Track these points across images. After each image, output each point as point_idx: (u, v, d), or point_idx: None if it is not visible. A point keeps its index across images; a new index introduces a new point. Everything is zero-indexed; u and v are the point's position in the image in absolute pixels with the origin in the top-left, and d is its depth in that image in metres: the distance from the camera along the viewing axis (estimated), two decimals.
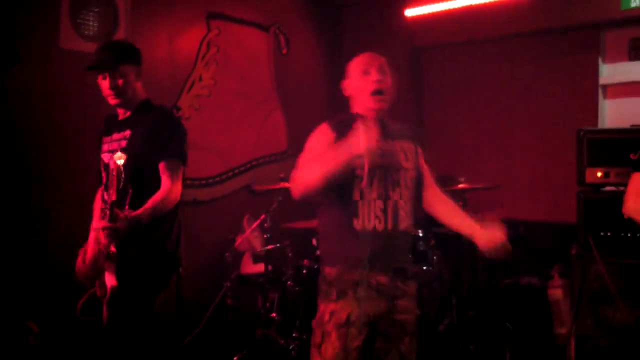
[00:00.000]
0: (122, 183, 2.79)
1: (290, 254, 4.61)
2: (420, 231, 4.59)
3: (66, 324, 3.73)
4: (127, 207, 2.82)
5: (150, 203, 2.90)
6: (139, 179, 2.94)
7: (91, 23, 4.59)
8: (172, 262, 3.17)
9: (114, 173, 2.76)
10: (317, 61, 6.34)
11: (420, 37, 5.96)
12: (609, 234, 3.96)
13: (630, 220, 3.15)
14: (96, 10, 4.61)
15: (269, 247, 4.62)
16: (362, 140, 2.39)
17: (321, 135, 2.78)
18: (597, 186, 4.12)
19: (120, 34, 4.68)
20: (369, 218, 2.69)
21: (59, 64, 4.32)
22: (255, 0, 5.75)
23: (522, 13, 5.27)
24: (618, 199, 3.69)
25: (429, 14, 5.73)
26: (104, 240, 2.78)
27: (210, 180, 5.41)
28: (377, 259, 2.68)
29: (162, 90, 5.01)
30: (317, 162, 2.57)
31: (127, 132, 3.08)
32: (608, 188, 4.14)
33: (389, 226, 2.70)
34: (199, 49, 5.29)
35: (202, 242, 5.18)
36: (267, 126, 5.89)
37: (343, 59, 6.40)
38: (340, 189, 2.69)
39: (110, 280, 2.78)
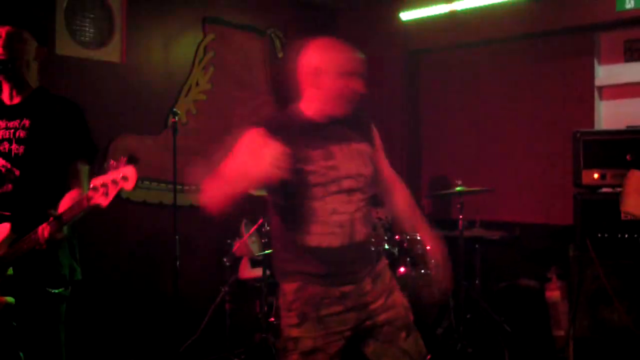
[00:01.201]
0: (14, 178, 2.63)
1: None
2: (417, 235, 4.58)
3: None
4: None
5: (71, 205, 2.52)
6: (37, 178, 2.67)
7: (87, 29, 4.60)
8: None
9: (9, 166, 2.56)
10: None
11: (416, 41, 5.97)
12: (606, 235, 3.97)
13: (627, 222, 3.16)
14: (91, 16, 4.62)
15: (267, 251, 4.61)
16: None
17: (254, 142, 2.44)
18: (594, 188, 4.13)
19: (115, 40, 4.69)
20: (327, 234, 2.46)
21: (55, 70, 4.32)
22: (251, 5, 5.76)
23: (518, 15, 5.27)
24: (615, 200, 3.71)
25: (425, 17, 5.74)
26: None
27: None
28: (336, 273, 2.47)
29: (158, 95, 5.02)
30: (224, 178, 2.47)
31: (26, 121, 2.69)
32: (604, 189, 4.15)
33: (343, 242, 2.46)
34: (196, 54, 5.29)
35: (200, 247, 5.17)
36: None
37: None
38: (287, 200, 2.50)
39: None
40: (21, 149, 2.68)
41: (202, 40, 5.34)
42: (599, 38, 5.22)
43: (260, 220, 4.64)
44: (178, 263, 4.36)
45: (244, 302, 4.87)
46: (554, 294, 4.71)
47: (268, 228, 4.63)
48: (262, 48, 5.86)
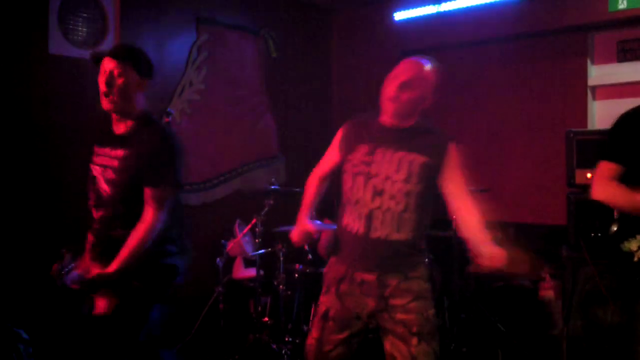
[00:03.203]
0: (112, 204, 2.80)
1: (281, 258, 4.61)
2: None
3: (56, 330, 3.71)
4: (118, 228, 2.81)
5: (125, 250, 2.75)
6: (128, 203, 2.83)
7: (80, 29, 4.58)
8: (168, 272, 2.98)
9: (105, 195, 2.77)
10: (306, 65, 6.34)
11: (410, 41, 5.97)
12: (599, 235, 3.97)
13: (620, 221, 3.15)
14: (85, 15, 4.60)
15: (261, 251, 4.61)
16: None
17: (337, 133, 3.05)
18: (587, 187, 4.12)
19: (109, 39, 4.68)
20: (353, 220, 2.83)
21: (48, 70, 4.32)
22: (245, 5, 5.76)
23: (512, 16, 5.29)
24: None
25: (419, 17, 5.74)
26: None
27: (201, 185, 5.40)
28: (359, 259, 2.81)
29: (152, 95, 4.99)
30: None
31: (120, 152, 2.87)
32: None
33: (361, 232, 2.80)
34: (190, 54, 5.29)
35: (193, 247, 5.14)
36: (257, 131, 5.88)
37: (332, 62, 6.47)
38: (340, 191, 2.93)
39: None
40: (112, 176, 2.84)
41: (195, 41, 5.33)
42: (592, 38, 5.24)
43: (254, 220, 4.63)
44: None
45: (238, 303, 4.87)
46: (547, 293, 4.72)
47: (261, 228, 4.63)
48: (256, 48, 5.86)
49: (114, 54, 2.85)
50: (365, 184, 2.80)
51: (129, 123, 2.91)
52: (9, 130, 4.12)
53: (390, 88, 2.81)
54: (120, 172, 2.83)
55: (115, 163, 2.85)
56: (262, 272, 4.65)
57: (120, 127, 2.93)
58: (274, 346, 4.39)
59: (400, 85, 2.79)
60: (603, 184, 2.97)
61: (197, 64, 5.35)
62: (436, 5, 5.61)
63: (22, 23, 4.23)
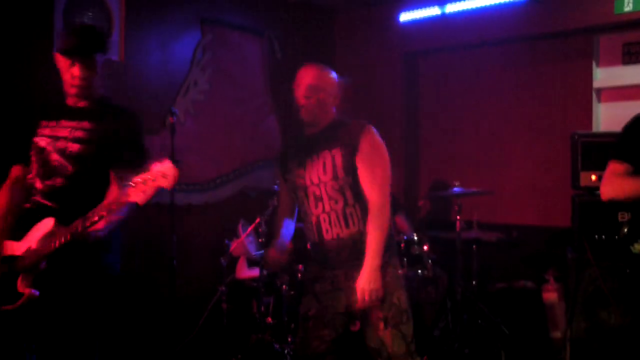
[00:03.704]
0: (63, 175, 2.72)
1: None
2: (414, 235, 4.59)
3: None
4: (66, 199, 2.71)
5: (109, 202, 2.59)
6: (87, 177, 2.77)
7: None
8: (119, 284, 2.91)
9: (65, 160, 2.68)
10: None
11: (414, 42, 5.97)
12: (603, 237, 3.96)
13: (630, 224, 3.13)
14: (90, 15, 4.61)
15: (264, 251, 4.60)
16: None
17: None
18: (592, 190, 4.12)
19: (113, 39, 4.68)
20: (309, 230, 3.08)
21: (53, 68, 4.31)
22: (250, 6, 5.76)
23: (517, 18, 5.28)
24: (613, 202, 3.69)
25: (423, 19, 5.74)
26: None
27: (205, 185, 5.40)
28: (323, 262, 3.04)
29: (157, 95, 5.02)
30: None
31: (85, 123, 2.81)
32: None
33: (317, 239, 3.03)
34: (194, 54, 5.29)
35: (197, 247, 5.17)
36: (261, 131, 5.88)
37: (336, 63, 6.47)
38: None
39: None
40: (76, 147, 2.77)
41: (200, 41, 5.33)
42: (597, 41, 5.23)
43: (257, 220, 4.63)
44: (175, 263, 4.36)
45: (241, 302, 4.86)
46: (551, 295, 4.71)
47: (265, 228, 4.63)
48: (261, 49, 5.86)
49: (83, 53, 2.79)
50: (307, 195, 3.02)
51: (90, 101, 2.88)
52: (13, 130, 4.12)
53: (297, 95, 3.03)
54: (87, 142, 2.78)
55: (80, 134, 2.79)
56: (265, 272, 4.64)
57: (80, 104, 2.88)
58: (277, 346, 4.38)
59: (307, 90, 3.01)
60: (611, 181, 2.97)
61: (202, 64, 5.36)
62: (440, 7, 5.60)
63: (27, 23, 4.24)
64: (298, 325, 3.13)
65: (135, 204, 2.49)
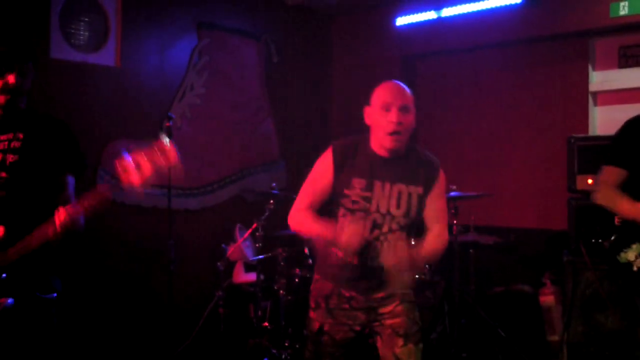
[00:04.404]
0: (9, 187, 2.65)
1: (282, 263, 4.60)
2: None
3: None
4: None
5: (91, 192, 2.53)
6: (29, 186, 2.69)
7: (81, 33, 4.59)
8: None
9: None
10: (307, 70, 6.34)
11: (411, 46, 5.98)
12: (600, 240, 3.96)
13: (618, 231, 3.14)
14: (86, 19, 4.61)
15: (261, 256, 4.60)
16: (345, 236, 2.58)
17: (323, 160, 2.85)
18: (588, 193, 4.12)
19: (110, 43, 4.69)
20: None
21: (50, 73, 4.32)
22: (246, 10, 5.76)
23: (512, 21, 5.29)
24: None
25: (420, 23, 5.75)
26: None
27: (202, 190, 5.40)
28: (347, 281, 2.82)
29: (153, 99, 5.02)
30: (309, 224, 2.81)
31: (20, 134, 2.73)
32: None
33: (355, 261, 2.77)
34: (190, 58, 5.30)
35: (194, 252, 5.16)
36: (258, 135, 5.88)
37: (332, 67, 6.48)
38: (330, 216, 2.86)
39: None
40: (15, 158, 2.71)
41: (197, 45, 5.34)
42: (593, 44, 5.24)
43: (254, 225, 4.63)
44: (172, 267, 4.35)
45: (238, 307, 4.86)
46: (548, 299, 4.71)
47: (262, 232, 4.63)
48: (257, 53, 5.86)
49: (18, 60, 2.72)
50: (365, 219, 2.75)
51: (14, 112, 2.78)
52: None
53: (391, 115, 2.71)
54: (25, 153, 2.71)
55: (16, 144, 2.72)
56: (262, 277, 4.64)
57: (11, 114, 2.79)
58: (274, 351, 4.38)
59: (400, 109, 2.72)
60: (606, 189, 2.99)
61: (198, 68, 5.36)
62: (437, 11, 5.61)
63: (23, 27, 4.24)
64: (299, 332, 3.04)
65: (132, 185, 2.42)
